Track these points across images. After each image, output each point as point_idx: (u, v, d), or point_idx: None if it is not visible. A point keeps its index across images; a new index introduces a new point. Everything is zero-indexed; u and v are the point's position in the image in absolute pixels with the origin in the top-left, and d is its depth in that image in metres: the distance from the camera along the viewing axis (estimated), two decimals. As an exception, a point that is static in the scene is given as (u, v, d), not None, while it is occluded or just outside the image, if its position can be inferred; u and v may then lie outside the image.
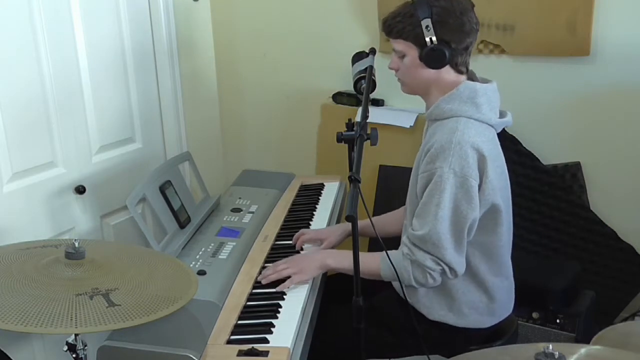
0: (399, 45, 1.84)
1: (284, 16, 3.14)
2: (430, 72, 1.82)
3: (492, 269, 1.86)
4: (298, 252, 2.10)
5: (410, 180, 1.92)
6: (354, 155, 1.67)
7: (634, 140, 2.60)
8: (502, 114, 1.88)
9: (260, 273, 1.95)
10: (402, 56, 1.85)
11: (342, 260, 1.90)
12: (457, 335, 1.87)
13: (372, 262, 1.84)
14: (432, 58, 1.79)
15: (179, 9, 2.58)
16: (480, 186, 1.75)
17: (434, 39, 1.76)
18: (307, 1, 3.08)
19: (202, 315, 1.64)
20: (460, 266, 1.78)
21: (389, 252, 1.76)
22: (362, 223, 2.00)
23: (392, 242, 2.04)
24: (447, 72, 1.82)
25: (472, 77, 1.89)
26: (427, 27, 1.75)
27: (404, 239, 1.84)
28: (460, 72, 1.84)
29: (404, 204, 2.02)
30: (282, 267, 1.90)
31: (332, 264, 1.93)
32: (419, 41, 1.78)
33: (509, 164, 1.92)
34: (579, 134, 2.69)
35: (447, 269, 1.76)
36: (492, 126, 1.83)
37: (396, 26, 1.82)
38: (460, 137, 1.73)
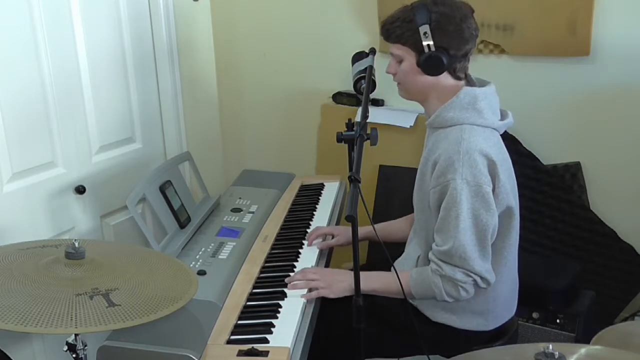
0: (397, 50, 1.83)
1: (284, 16, 3.14)
2: (428, 79, 1.80)
3: (499, 274, 1.84)
4: (298, 251, 2.10)
5: (416, 189, 1.90)
6: (354, 155, 1.67)
7: (634, 140, 2.60)
8: (503, 115, 1.87)
9: (260, 273, 1.96)
10: (400, 61, 1.83)
11: (371, 282, 1.84)
12: (458, 336, 1.87)
13: (402, 281, 1.75)
14: (430, 65, 1.77)
15: (179, 9, 2.57)
16: (493, 190, 1.73)
17: (431, 45, 1.74)
18: (307, 1, 3.08)
19: (202, 315, 1.64)
20: (490, 274, 1.77)
21: (415, 270, 1.80)
22: (366, 229, 2.02)
23: (396, 247, 2.06)
24: (446, 79, 1.80)
25: (469, 80, 1.87)
26: (425, 33, 1.73)
27: (430, 255, 1.81)
28: (458, 78, 1.82)
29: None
30: (311, 277, 1.88)
31: (361, 287, 1.90)
32: (417, 47, 1.77)
33: (508, 164, 1.92)
34: (579, 134, 2.69)
35: (478, 279, 1.76)
36: (495, 129, 1.82)
37: (394, 31, 1.80)
38: (467, 145, 1.71)
